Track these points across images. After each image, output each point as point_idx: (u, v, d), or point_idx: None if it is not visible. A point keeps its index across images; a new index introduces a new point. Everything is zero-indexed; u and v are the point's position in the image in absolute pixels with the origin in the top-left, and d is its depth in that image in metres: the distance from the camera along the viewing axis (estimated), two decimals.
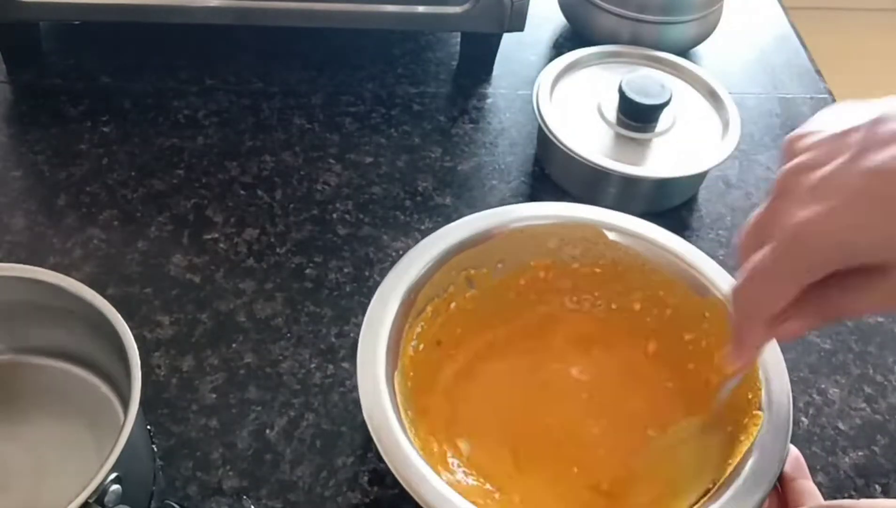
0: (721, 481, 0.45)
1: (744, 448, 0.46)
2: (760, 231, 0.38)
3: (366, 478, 0.52)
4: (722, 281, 0.53)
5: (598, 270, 0.56)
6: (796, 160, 0.38)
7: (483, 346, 0.55)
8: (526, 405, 0.54)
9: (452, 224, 0.55)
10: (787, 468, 0.46)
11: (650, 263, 0.55)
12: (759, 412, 0.47)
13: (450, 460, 0.50)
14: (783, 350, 0.60)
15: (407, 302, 0.51)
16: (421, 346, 0.52)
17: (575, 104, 0.71)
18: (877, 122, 0.35)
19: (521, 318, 0.57)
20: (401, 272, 0.52)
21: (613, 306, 0.57)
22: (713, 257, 0.56)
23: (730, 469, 0.45)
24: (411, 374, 0.50)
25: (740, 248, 0.40)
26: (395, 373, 0.48)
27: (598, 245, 0.56)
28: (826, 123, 0.38)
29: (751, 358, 0.43)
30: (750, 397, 0.48)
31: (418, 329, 0.52)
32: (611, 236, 0.56)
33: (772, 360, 0.50)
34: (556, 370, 0.55)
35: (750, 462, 0.45)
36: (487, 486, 0.49)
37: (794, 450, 0.46)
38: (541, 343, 0.56)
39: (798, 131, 0.39)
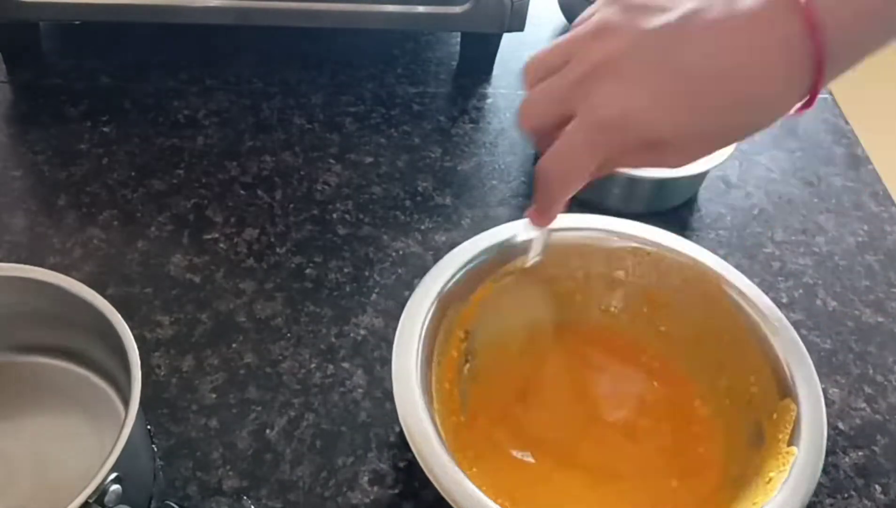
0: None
1: (778, 484, 0.45)
2: (561, 92, 0.41)
3: (366, 478, 0.52)
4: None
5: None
6: (615, 41, 0.40)
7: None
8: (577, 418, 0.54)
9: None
10: None
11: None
12: (792, 448, 0.46)
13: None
14: None
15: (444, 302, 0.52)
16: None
17: None
18: (684, 16, 0.38)
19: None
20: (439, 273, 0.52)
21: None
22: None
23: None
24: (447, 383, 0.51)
25: (527, 74, 0.43)
26: (432, 377, 0.49)
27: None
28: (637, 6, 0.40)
29: (551, 220, 0.47)
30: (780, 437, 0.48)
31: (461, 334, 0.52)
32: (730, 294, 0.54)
33: (809, 395, 0.49)
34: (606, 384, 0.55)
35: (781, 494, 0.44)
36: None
37: None
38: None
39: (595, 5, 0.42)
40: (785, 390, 0.49)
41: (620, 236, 0.56)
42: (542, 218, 0.47)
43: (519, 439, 0.52)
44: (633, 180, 0.66)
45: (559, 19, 0.85)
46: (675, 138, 0.39)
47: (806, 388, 0.49)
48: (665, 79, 0.38)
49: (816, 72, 0.37)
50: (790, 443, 0.47)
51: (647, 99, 0.39)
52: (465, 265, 0.53)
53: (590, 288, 0.56)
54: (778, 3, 0.37)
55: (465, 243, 0.54)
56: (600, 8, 0.41)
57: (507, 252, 0.54)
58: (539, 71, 0.42)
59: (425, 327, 0.50)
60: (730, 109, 0.39)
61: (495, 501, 0.43)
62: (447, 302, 0.51)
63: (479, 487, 0.43)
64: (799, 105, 0.39)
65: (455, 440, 0.48)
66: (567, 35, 0.42)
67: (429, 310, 0.50)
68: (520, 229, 0.53)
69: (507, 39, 0.78)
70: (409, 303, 0.51)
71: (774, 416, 0.49)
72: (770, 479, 0.46)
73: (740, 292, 0.53)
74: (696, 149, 0.41)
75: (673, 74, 0.38)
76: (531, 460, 0.51)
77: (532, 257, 0.52)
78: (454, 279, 0.52)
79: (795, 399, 0.48)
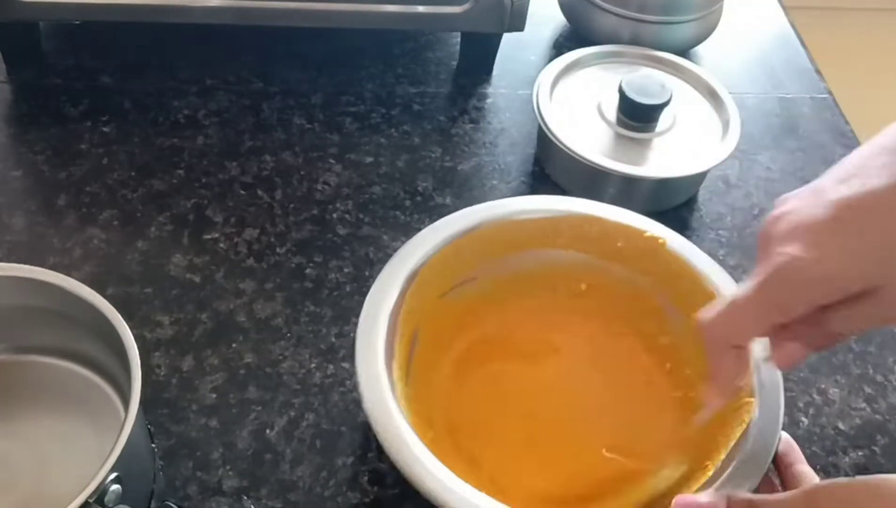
0: (715, 468, 0.45)
1: (736, 435, 0.46)
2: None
3: (366, 478, 0.52)
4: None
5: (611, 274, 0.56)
6: (777, 211, 0.40)
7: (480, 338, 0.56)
8: (527, 400, 0.54)
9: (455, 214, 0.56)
10: (782, 453, 0.46)
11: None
12: (751, 399, 0.47)
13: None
14: None
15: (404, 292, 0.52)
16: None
17: (575, 104, 0.71)
18: (847, 169, 0.38)
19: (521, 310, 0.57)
20: (398, 263, 0.53)
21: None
22: (713, 256, 0.56)
23: (722, 456, 0.46)
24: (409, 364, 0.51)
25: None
26: (394, 363, 0.49)
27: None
28: (806, 188, 0.41)
29: (726, 391, 0.45)
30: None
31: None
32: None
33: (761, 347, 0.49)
34: (556, 361, 0.56)
35: (743, 449, 0.45)
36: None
37: (785, 436, 0.47)
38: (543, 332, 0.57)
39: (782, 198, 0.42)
40: None
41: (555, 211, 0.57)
42: (719, 397, 0.46)
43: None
44: (633, 180, 0.66)
45: (559, 19, 0.85)
46: (875, 278, 0.37)
47: None
48: (836, 215, 0.37)
49: None
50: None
51: (821, 239, 0.37)
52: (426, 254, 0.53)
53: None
54: None
55: (424, 231, 0.55)
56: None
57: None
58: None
59: (387, 327, 0.50)
60: None
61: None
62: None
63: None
64: None
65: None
66: None
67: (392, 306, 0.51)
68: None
69: (507, 39, 0.78)
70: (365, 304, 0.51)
71: None
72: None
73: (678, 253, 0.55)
74: None
75: (844, 208, 0.37)
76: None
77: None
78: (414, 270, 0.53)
79: None
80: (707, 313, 0.42)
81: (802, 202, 0.39)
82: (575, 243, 0.57)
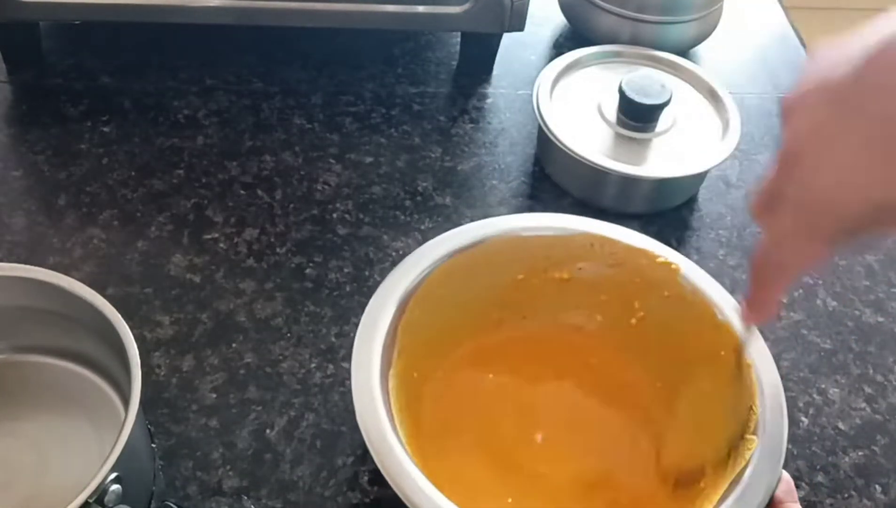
0: (713, 504, 0.45)
1: (735, 471, 0.46)
2: (775, 196, 0.38)
3: (366, 478, 0.52)
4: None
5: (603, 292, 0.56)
6: (801, 122, 0.36)
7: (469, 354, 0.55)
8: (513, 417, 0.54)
9: (463, 227, 0.55)
10: (779, 492, 0.45)
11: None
12: (754, 437, 0.46)
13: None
14: (785, 350, 0.60)
15: (403, 305, 0.51)
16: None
17: (575, 104, 0.71)
18: (869, 65, 0.34)
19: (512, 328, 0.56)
20: (401, 275, 0.52)
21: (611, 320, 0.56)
22: (713, 256, 0.56)
23: (720, 492, 0.45)
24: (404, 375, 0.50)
25: (755, 213, 0.40)
26: (391, 374, 0.48)
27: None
28: (820, 76, 0.37)
29: (767, 317, 0.43)
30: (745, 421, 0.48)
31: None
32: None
33: (769, 385, 0.48)
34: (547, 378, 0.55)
35: (739, 487, 0.44)
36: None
37: (785, 476, 0.46)
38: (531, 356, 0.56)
39: (795, 92, 0.38)
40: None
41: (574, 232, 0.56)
42: (757, 315, 0.44)
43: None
44: (633, 180, 0.66)
45: (559, 19, 0.85)
46: None
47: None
48: (867, 135, 0.34)
49: None
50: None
51: (859, 158, 0.34)
52: (425, 269, 0.53)
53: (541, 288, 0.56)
54: None
55: (428, 244, 0.54)
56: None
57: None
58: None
59: (385, 336, 0.49)
60: None
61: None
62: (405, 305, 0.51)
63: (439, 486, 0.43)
64: None
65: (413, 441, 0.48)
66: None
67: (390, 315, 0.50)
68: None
69: (507, 39, 0.78)
70: (367, 309, 0.50)
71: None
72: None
73: (695, 284, 0.53)
74: None
75: (874, 124, 0.33)
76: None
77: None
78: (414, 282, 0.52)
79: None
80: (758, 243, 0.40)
81: (830, 110, 0.35)
82: (586, 262, 0.56)
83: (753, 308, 0.43)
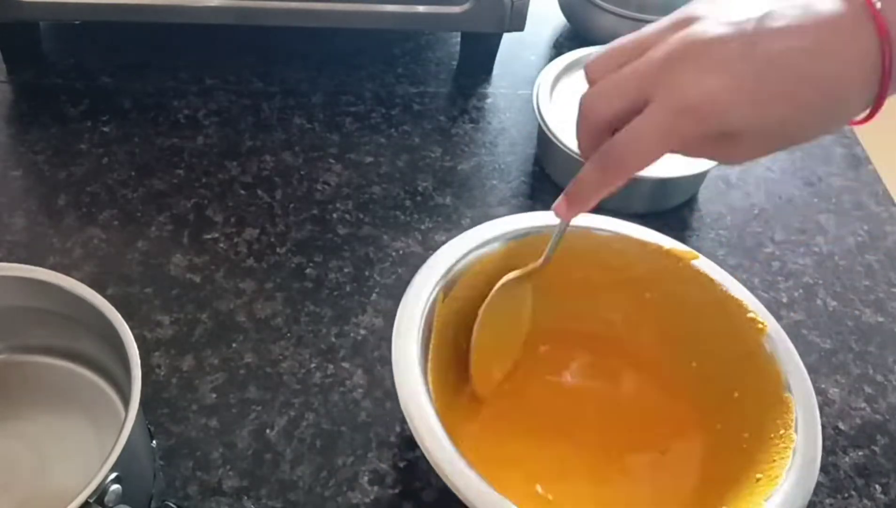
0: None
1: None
2: (639, 77, 0.41)
3: (366, 478, 0.52)
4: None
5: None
6: (698, 31, 0.40)
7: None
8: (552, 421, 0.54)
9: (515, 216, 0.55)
10: None
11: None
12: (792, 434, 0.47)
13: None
14: None
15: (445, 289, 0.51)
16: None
17: (575, 104, 0.70)
18: (768, 15, 0.39)
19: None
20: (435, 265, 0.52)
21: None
22: (713, 256, 0.56)
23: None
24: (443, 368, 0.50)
25: (592, 69, 0.43)
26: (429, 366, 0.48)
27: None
28: (721, 4, 0.40)
29: (581, 210, 0.46)
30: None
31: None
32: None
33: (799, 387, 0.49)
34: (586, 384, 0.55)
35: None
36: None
37: None
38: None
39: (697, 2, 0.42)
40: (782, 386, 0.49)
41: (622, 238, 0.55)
42: (574, 208, 0.46)
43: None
44: (633, 180, 0.65)
45: (559, 19, 0.85)
46: (749, 129, 0.39)
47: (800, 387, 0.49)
48: (749, 68, 0.38)
49: (881, 84, 0.38)
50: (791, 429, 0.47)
51: (730, 85, 0.38)
52: (462, 257, 0.53)
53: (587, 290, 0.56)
54: (857, 11, 0.38)
55: (467, 233, 0.54)
56: (681, 8, 0.41)
57: (511, 247, 0.54)
58: (608, 65, 0.42)
59: (423, 318, 0.49)
60: (807, 105, 0.39)
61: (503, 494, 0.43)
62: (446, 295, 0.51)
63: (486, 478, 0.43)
64: (864, 115, 0.40)
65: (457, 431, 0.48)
66: (634, 33, 0.42)
67: (427, 299, 0.50)
68: (532, 220, 0.53)
69: (507, 39, 0.78)
70: (405, 296, 0.50)
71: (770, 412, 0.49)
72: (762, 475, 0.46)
73: (738, 299, 0.53)
74: (765, 144, 0.41)
75: (758, 64, 0.38)
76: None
77: (543, 258, 0.51)
78: (452, 273, 0.52)
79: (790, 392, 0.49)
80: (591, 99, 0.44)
81: (721, 33, 0.39)
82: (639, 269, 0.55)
83: (573, 202, 0.46)
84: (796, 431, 0.47)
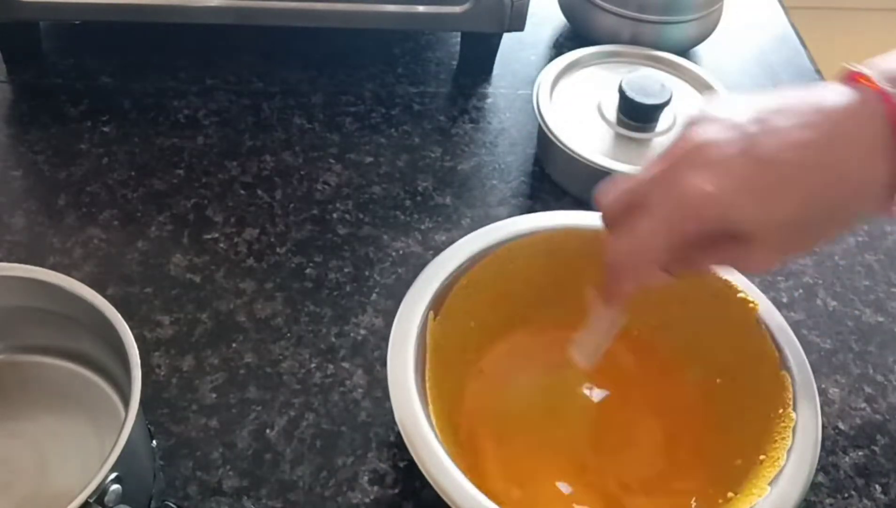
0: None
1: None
2: (641, 194, 0.41)
3: (366, 478, 0.52)
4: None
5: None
6: (698, 137, 0.40)
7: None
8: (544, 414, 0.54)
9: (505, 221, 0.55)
10: None
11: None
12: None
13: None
14: None
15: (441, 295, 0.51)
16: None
17: (575, 104, 0.71)
18: (775, 112, 0.39)
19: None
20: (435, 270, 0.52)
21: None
22: None
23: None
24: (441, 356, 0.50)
25: (610, 214, 0.43)
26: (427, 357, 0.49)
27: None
28: (726, 111, 0.41)
29: (620, 302, 0.46)
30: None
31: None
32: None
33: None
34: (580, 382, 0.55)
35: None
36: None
37: None
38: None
39: (700, 114, 0.42)
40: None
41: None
42: (611, 302, 0.46)
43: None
44: None
45: (559, 19, 0.85)
46: (758, 228, 0.39)
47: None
48: (750, 163, 0.38)
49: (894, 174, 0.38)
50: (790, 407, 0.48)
51: (730, 182, 0.38)
52: (460, 265, 0.53)
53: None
54: (867, 97, 0.37)
55: (462, 240, 0.54)
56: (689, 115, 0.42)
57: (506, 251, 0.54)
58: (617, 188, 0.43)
59: (419, 329, 0.49)
60: (817, 196, 0.38)
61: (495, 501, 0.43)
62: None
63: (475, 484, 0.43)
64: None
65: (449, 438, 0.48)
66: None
67: (425, 309, 0.50)
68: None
69: (507, 39, 0.78)
70: (403, 303, 0.50)
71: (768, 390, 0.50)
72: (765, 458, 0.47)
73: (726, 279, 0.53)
74: (779, 245, 0.40)
75: (759, 159, 0.38)
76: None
77: (584, 356, 0.50)
78: (450, 278, 0.52)
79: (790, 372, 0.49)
80: (610, 240, 0.43)
81: (726, 137, 0.39)
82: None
83: (608, 298, 0.46)
84: (795, 410, 0.47)
